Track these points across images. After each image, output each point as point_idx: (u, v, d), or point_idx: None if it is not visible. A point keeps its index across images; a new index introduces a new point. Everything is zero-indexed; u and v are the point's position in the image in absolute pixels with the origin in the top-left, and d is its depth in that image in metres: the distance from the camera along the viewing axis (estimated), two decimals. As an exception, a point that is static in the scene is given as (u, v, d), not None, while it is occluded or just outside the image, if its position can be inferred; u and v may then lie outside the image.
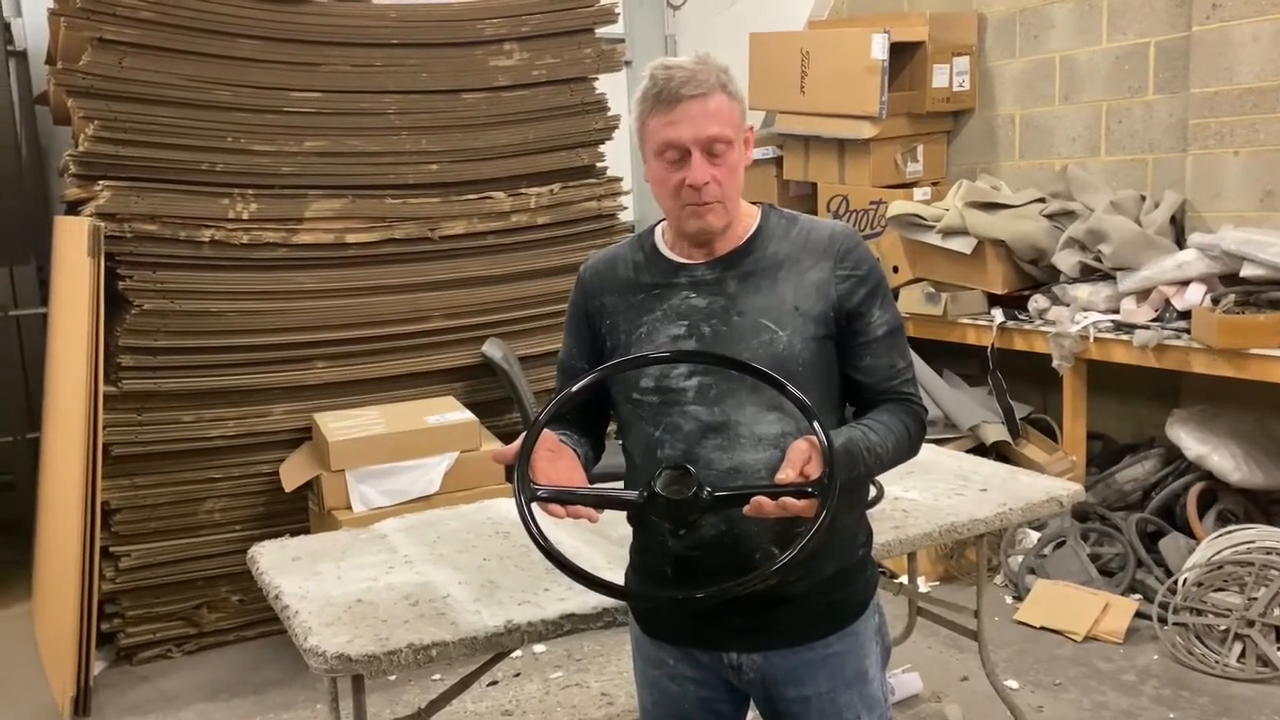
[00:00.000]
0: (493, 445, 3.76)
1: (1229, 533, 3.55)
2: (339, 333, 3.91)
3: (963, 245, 4.23)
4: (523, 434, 1.51)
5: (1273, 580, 3.31)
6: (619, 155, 4.59)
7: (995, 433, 4.19)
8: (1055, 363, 3.96)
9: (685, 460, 1.55)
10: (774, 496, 1.43)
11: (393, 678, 3.37)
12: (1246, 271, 3.51)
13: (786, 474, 1.44)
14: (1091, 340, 3.84)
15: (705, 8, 6.20)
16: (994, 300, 4.31)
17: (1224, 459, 3.66)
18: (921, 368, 4.35)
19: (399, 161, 4.01)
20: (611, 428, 1.82)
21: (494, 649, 2.07)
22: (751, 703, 1.79)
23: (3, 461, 4.78)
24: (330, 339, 3.90)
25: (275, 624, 3.26)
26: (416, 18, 4.04)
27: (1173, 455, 3.96)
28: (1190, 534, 3.73)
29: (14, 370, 4.77)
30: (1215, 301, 3.56)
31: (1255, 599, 3.30)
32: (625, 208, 4.50)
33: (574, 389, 1.56)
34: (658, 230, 1.75)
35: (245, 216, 3.75)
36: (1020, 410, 4.36)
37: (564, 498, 1.47)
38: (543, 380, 4.09)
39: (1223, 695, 3.16)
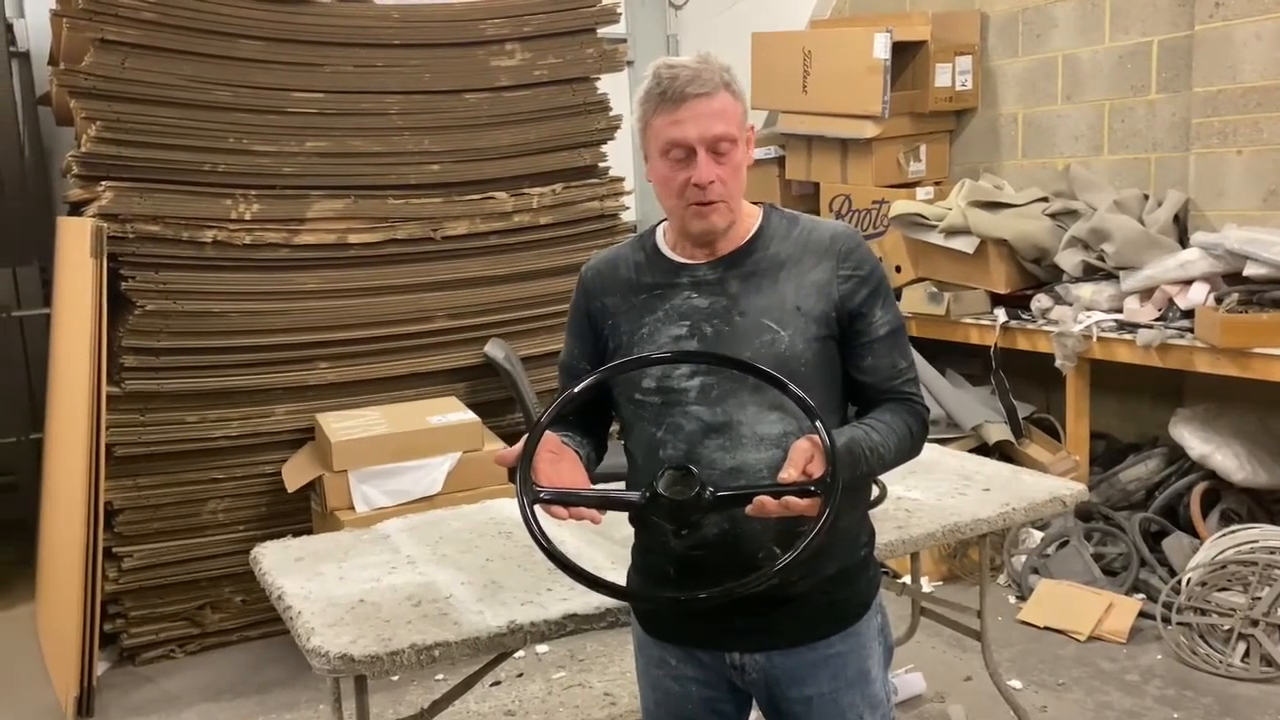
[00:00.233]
0: (495, 445, 3.76)
1: (1232, 532, 3.55)
2: (341, 333, 3.91)
3: (965, 245, 4.23)
4: (524, 436, 1.51)
5: (1276, 580, 3.30)
6: (621, 155, 4.58)
7: (998, 432, 4.18)
8: (1058, 362, 3.95)
9: (687, 460, 1.55)
10: (776, 496, 1.43)
11: (395, 678, 3.37)
12: (1250, 271, 3.51)
13: (789, 473, 1.44)
14: (1094, 340, 3.84)
15: (707, 7, 6.19)
16: (997, 300, 4.30)
17: (1227, 458, 3.65)
18: (924, 367, 4.34)
19: (401, 162, 4.01)
20: (614, 428, 1.82)
21: (497, 649, 2.07)
22: (754, 703, 1.79)
23: (6, 462, 4.79)
24: (333, 339, 3.90)
25: (278, 624, 3.26)
26: (418, 18, 4.05)
27: (1176, 455, 3.95)
28: (1194, 534, 3.73)
29: (17, 371, 4.77)
30: (1218, 301, 3.56)
31: (1259, 599, 3.29)
32: (627, 208, 4.50)
33: (575, 390, 1.56)
34: (659, 230, 1.74)
35: (247, 217, 3.75)
36: (1023, 410, 4.36)
37: (566, 499, 1.47)
38: (545, 380, 4.09)
39: (1226, 695, 3.15)
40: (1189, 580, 3.47)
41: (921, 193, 4.70)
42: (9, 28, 4.76)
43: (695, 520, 1.47)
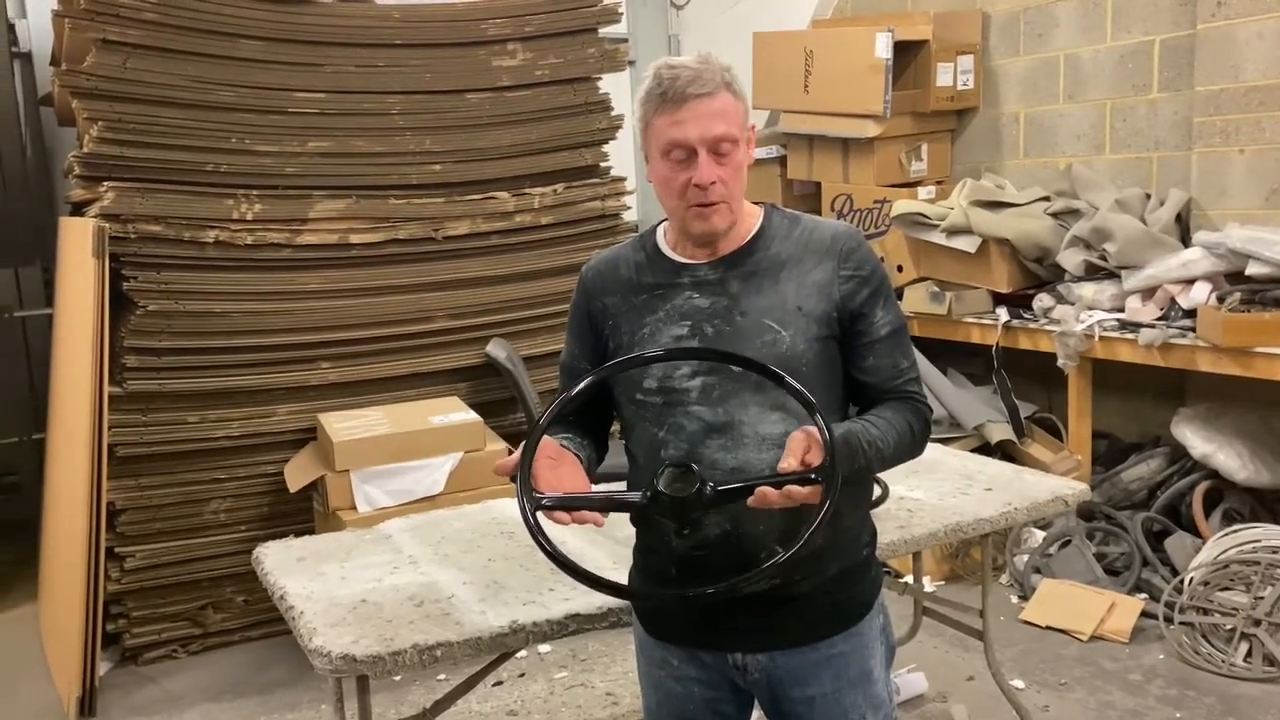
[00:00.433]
0: (497, 445, 3.76)
1: (1235, 531, 3.55)
2: (343, 333, 3.91)
3: (967, 244, 4.23)
4: (522, 442, 1.51)
5: (1279, 579, 3.30)
6: (622, 155, 4.59)
7: (1000, 432, 4.18)
8: (1060, 362, 3.95)
9: (689, 461, 1.55)
10: (777, 487, 1.42)
11: (398, 678, 3.37)
12: (1252, 270, 3.51)
13: (788, 462, 1.43)
14: (1096, 339, 3.83)
15: (708, 7, 6.19)
16: (999, 299, 4.30)
17: (1230, 458, 3.65)
18: (926, 367, 4.34)
19: (403, 162, 4.01)
20: (615, 428, 1.82)
21: (499, 649, 2.07)
22: (756, 703, 1.79)
23: (8, 462, 4.79)
24: (334, 339, 3.91)
25: (280, 624, 3.26)
26: (420, 18, 4.05)
27: (1178, 454, 3.95)
28: (1196, 533, 3.72)
29: (19, 371, 4.78)
30: (1220, 300, 3.55)
31: (1261, 598, 3.29)
32: (629, 208, 4.50)
33: (571, 393, 1.55)
34: (659, 230, 1.74)
35: (249, 217, 3.75)
36: (1025, 409, 4.35)
37: (568, 504, 1.47)
38: (547, 380, 4.09)
39: (1229, 695, 3.15)
40: (1191, 580, 3.46)
41: (923, 192, 4.69)
42: (11, 28, 4.77)
43: (697, 517, 1.46)
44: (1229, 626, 3.32)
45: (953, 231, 4.25)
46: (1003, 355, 4.20)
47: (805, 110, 4.88)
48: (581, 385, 1.56)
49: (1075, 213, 4.17)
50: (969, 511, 2.53)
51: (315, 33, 3.86)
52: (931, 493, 2.65)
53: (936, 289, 4.40)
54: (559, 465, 1.56)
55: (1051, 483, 2.76)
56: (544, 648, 3.57)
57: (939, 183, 4.79)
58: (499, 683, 3.37)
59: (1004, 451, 4.13)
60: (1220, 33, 3.83)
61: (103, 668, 3.52)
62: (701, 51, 1.62)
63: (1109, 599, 3.60)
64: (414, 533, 2.57)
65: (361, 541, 2.52)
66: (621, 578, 1.77)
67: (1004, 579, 3.97)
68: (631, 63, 5.20)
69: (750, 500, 1.44)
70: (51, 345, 4.19)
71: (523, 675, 3.44)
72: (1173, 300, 3.73)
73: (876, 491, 2.39)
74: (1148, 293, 3.82)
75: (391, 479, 3.57)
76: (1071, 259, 4.03)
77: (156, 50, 3.62)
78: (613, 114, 4.36)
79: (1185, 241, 3.88)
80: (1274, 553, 3.37)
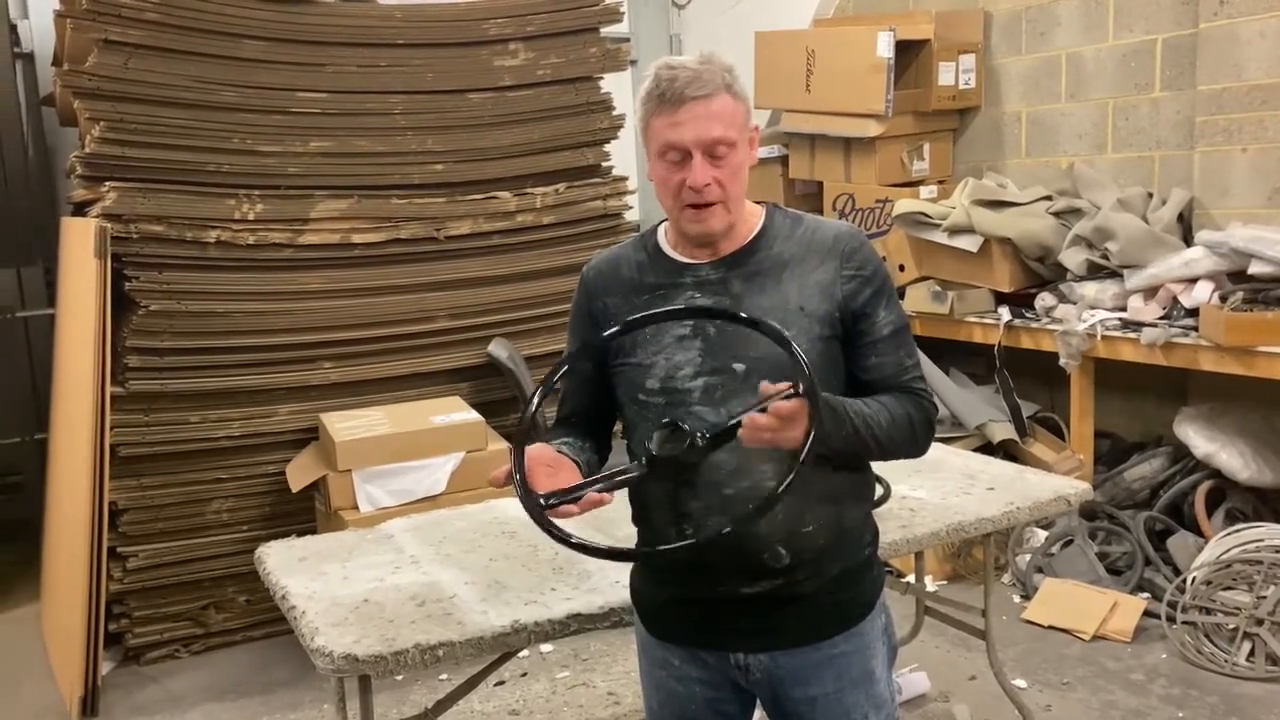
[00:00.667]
0: (499, 445, 3.76)
1: (1237, 531, 3.54)
2: (345, 333, 3.91)
3: (969, 243, 4.23)
4: (508, 447, 1.52)
5: (1282, 579, 3.30)
6: (624, 155, 4.59)
7: (1002, 431, 4.18)
8: (1062, 361, 3.95)
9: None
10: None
11: (399, 678, 3.37)
12: (1254, 269, 3.50)
13: (765, 389, 1.44)
14: (1099, 338, 3.83)
15: (710, 7, 6.19)
16: (1001, 298, 4.30)
17: (1232, 457, 3.65)
18: (928, 366, 4.34)
19: (404, 161, 4.01)
20: (617, 428, 1.82)
21: (501, 649, 2.07)
22: (758, 703, 1.78)
23: (11, 462, 4.79)
24: (336, 339, 3.91)
25: (282, 624, 3.26)
26: (421, 18, 4.05)
27: (1181, 453, 3.95)
28: (1199, 532, 3.72)
29: (21, 371, 4.78)
30: (1223, 299, 3.55)
31: (1264, 597, 3.29)
32: (630, 207, 4.50)
33: (554, 379, 1.55)
34: (660, 230, 1.74)
35: (251, 217, 3.75)
36: (1027, 409, 4.35)
37: (570, 494, 1.47)
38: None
39: (1232, 694, 3.15)
40: (1194, 579, 3.46)
41: (925, 191, 4.69)
42: (13, 29, 4.77)
43: (695, 465, 1.46)
44: (1232, 626, 3.31)
45: (955, 231, 4.25)
46: (1005, 355, 4.20)
47: (807, 110, 4.87)
48: (560, 373, 1.56)
49: (1077, 212, 4.17)
50: (971, 511, 2.53)
51: (317, 32, 3.86)
52: (934, 492, 2.65)
53: (938, 288, 4.40)
54: (556, 472, 1.55)
55: (1054, 482, 2.76)
56: (546, 647, 3.57)
57: (941, 182, 4.79)
58: (501, 682, 3.37)
59: (1006, 451, 4.13)
60: (1222, 31, 3.83)
61: (105, 667, 3.52)
62: (704, 51, 1.61)
63: (1111, 598, 3.59)
64: (416, 532, 2.57)
65: (363, 541, 2.52)
66: (623, 577, 1.76)
67: (1006, 578, 3.97)
68: (633, 62, 5.20)
69: (741, 433, 1.43)
70: (53, 345, 4.20)
71: (525, 675, 3.44)
72: (1175, 299, 3.72)
73: (879, 491, 2.39)
74: (1150, 292, 3.82)
75: (393, 479, 3.57)
76: (1073, 258, 4.02)
77: (158, 50, 3.62)
78: (614, 113, 4.36)
79: (1187, 241, 3.87)
80: (1277, 552, 3.36)
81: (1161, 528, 3.85)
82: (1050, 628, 3.59)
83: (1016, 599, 3.84)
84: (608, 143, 4.38)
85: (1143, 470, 4.01)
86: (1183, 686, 3.20)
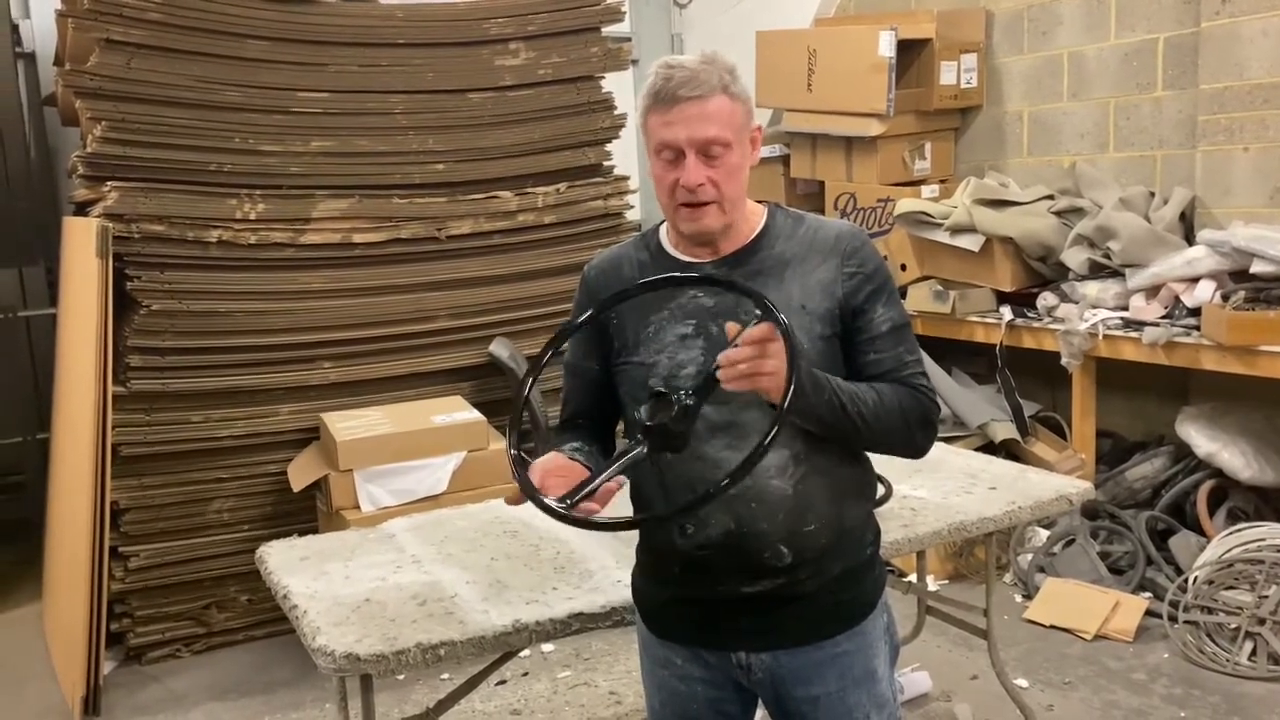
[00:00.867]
0: (500, 445, 3.76)
1: (1239, 530, 3.54)
2: (346, 333, 3.91)
3: (971, 243, 4.22)
4: (511, 459, 1.54)
5: (1284, 578, 3.30)
6: (625, 154, 4.58)
7: (1004, 431, 4.18)
8: (1064, 360, 3.94)
9: (694, 459, 1.56)
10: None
11: (401, 677, 3.37)
12: (1256, 268, 3.50)
13: (730, 327, 1.46)
14: (1100, 337, 3.83)
15: (711, 6, 6.19)
16: (1002, 298, 4.30)
17: (1234, 456, 3.64)
18: (930, 366, 4.33)
19: (405, 161, 4.01)
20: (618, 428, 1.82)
21: (502, 648, 2.07)
22: (760, 702, 1.78)
23: (13, 462, 4.80)
24: (337, 339, 3.91)
25: (284, 624, 3.26)
26: (423, 17, 4.05)
27: (1182, 453, 3.94)
28: (1200, 532, 3.72)
29: (23, 371, 4.78)
30: (1225, 298, 3.55)
31: (1266, 597, 3.28)
32: (632, 206, 4.49)
33: (544, 359, 1.60)
34: (662, 230, 1.74)
35: (252, 217, 3.75)
36: (1029, 408, 4.35)
37: (584, 490, 1.47)
38: (550, 379, 4.08)
39: (1234, 694, 3.14)
40: (1196, 579, 3.46)
41: (926, 191, 4.69)
42: (14, 28, 4.77)
43: (686, 430, 1.47)
44: (1233, 625, 3.31)
45: (956, 230, 4.24)
46: (1006, 354, 4.20)
47: (808, 109, 4.87)
48: (545, 360, 1.62)
49: (1079, 211, 4.16)
50: (973, 510, 2.53)
51: (319, 32, 3.86)
52: (935, 491, 2.65)
53: (940, 288, 4.40)
54: (570, 480, 1.54)
55: (1055, 481, 2.76)
56: (547, 647, 3.57)
57: (942, 181, 4.79)
58: (502, 682, 3.37)
59: (1008, 450, 4.13)
60: (1224, 30, 3.82)
61: (107, 667, 3.52)
62: (707, 51, 1.61)
63: (1113, 598, 3.59)
64: (417, 532, 2.57)
65: (365, 541, 2.52)
66: (625, 577, 1.76)
67: (1008, 578, 3.97)
68: (634, 61, 5.20)
69: (720, 374, 1.44)
70: (55, 345, 4.20)
71: (526, 674, 3.44)
72: (1177, 299, 3.72)
73: (880, 490, 2.39)
74: (1152, 291, 3.81)
75: (394, 478, 3.57)
76: (1075, 257, 4.02)
77: (160, 50, 3.62)
78: (615, 113, 4.35)
79: (1189, 240, 3.87)
80: (1278, 551, 3.36)
81: (1163, 527, 3.85)
82: (1052, 627, 3.59)
83: (1018, 598, 3.84)
84: (609, 142, 4.38)
85: (1144, 470, 4.01)
86: (1185, 686, 3.20)
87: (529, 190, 4.19)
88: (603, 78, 4.36)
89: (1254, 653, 3.26)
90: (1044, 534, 3.97)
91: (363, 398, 3.94)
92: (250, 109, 3.76)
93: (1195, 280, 3.68)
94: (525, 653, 3.43)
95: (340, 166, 3.90)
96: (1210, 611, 3.38)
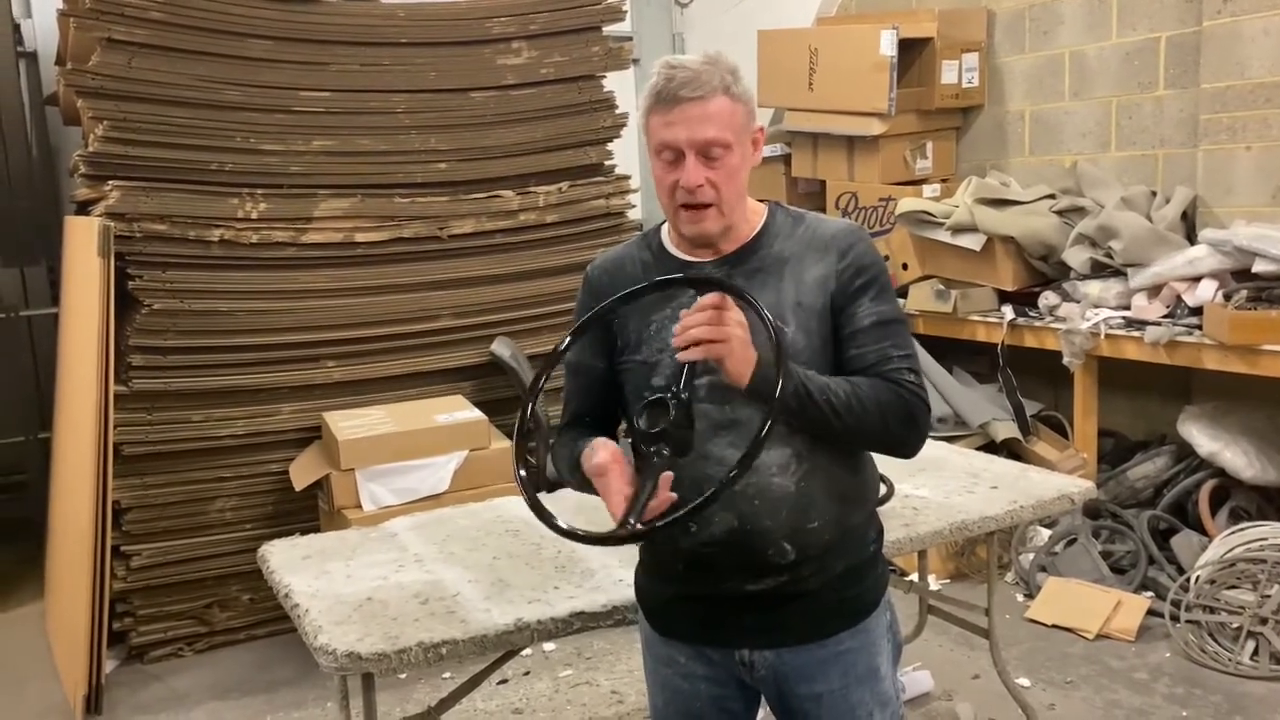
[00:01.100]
0: (502, 444, 3.76)
1: (1241, 530, 3.54)
2: (348, 332, 3.91)
3: (972, 242, 4.22)
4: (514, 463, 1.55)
5: (1286, 577, 3.30)
6: (627, 153, 4.58)
7: (1006, 430, 4.17)
8: (1066, 360, 3.94)
9: (700, 458, 1.56)
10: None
11: (403, 676, 3.37)
12: (1258, 267, 3.50)
13: (683, 314, 1.50)
14: (1102, 337, 3.83)
15: (713, 5, 6.19)
16: (1004, 297, 4.29)
17: (1236, 456, 3.64)
18: (931, 365, 4.34)
19: (407, 160, 4.01)
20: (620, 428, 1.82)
21: (504, 647, 2.07)
22: (763, 700, 1.78)
23: (14, 461, 4.80)
24: (339, 338, 3.91)
25: (286, 622, 3.25)
26: (425, 17, 4.05)
27: (1185, 452, 3.94)
28: (1202, 531, 3.72)
29: (25, 370, 4.78)
30: (1227, 297, 3.54)
31: (1268, 596, 3.28)
32: (633, 205, 4.50)
33: (558, 347, 1.61)
34: (664, 229, 1.74)
35: (254, 216, 3.75)
36: (1031, 407, 4.35)
37: (638, 511, 1.47)
38: (551, 379, 4.07)
39: (1235, 693, 3.14)
40: (1198, 578, 3.46)
41: (928, 190, 4.69)
42: (16, 28, 4.78)
43: (687, 428, 1.49)
44: (1235, 625, 3.31)
45: (958, 229, 4.24)
46: (1008, 353, 4.20)
47: (810, 108, 4.87)
48: (587, 317, 1.62)
49: (1081, 210, 4.16)
50: (974, 510, 2.53)
51: (321, 31, 3.86)
52: (937, 491, 2.65)
53: (941, 287, 4.39)
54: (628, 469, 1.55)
55: (1057, 481, 2.76)
56: (549, 646, 3.57)
57: (944, 180, 4.79)
58: (504, 681, 3.37)
59: (1009, 450, 4.12)
60: (1226, 29, 3.82)
61: (109, 666, 3.53)
62: (710, 51, 1.61)
63: (1115, 597, 3.59)
64: (419, 531, 2.57)
65: (366, 540, 2.53)
66: (627, 576, 1.76)
67: (1009, 577, 3.97)
68: (636, 61, 5.20)
69: (675, 341, 1.48)
70: (57, 344, 4.20)
71: (528, 673, 3.44)
72: (1179, 298, 3.72)
73: (882, 490, 2.39)
74: (1153, 290, 3.81)
75: (396, 477, 3.57)
76: (1077, 257, 4.02)
77: (162, 49, 3.63)
78: (617, 112, 4.36)
79: (1191, 239, 3.87)
80: (1281, 551, 3.36)
81: (1165, 526, 3.85)
82: (1054, 626, 3.59)
83: (1020, 598, 3.84)
84: (610, 141, 4.38)
85: (1146, 469, 4.01)
86: (1186, 685, 3.20)
87: (531, 189, 4.19)
88: (604, 77, 4.36)
89: (1256, 652, 3.26)
90: (1046, 533, 3.97)
91: (364, 397, 3.95)
92: (252, 108, 3.76)
93: (1197, 279, 3.68)
94: (527, 651, 3.43)
95: (342, 166, 3.90)
96: (1212, 611, 3.38)
